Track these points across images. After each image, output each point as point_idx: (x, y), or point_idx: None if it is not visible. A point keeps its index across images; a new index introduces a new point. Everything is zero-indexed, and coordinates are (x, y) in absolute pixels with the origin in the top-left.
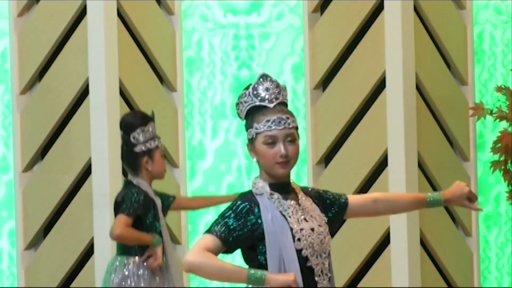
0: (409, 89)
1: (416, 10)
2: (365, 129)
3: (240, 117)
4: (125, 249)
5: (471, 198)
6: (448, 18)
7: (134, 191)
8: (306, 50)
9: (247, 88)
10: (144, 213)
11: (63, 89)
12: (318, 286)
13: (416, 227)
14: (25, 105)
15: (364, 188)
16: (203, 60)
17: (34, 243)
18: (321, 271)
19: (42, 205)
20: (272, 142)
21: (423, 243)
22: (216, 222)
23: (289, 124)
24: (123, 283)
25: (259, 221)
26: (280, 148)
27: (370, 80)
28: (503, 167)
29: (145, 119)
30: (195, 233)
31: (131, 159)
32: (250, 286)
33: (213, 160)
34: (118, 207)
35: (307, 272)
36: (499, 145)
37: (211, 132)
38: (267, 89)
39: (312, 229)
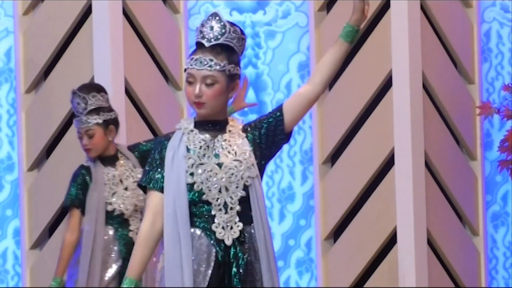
0: (415, 88)
1: (422, 8)
2: (371, 128)
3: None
4: None
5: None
6: (454, 16)
7: (76, 172)
8: (312, 48)
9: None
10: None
11: (68, 88)
12: (215, 220)
13: (423, 227)
14: (30, 104)
15: (370, 187)
16: None
17: (39, 243)
18: (224, 205)
19: (47, 205)
20: (191, 81)
21: (430, 243)
22: (147, 172)
23: (210, 66)
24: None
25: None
26: (196, 88)
27: (377, 78)
28: (510, 166)
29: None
30: None
31: None
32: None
33: None
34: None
35: (203, 206)
36: (506, 144)
37: None
38: (211, 28)
39: (219, 164)
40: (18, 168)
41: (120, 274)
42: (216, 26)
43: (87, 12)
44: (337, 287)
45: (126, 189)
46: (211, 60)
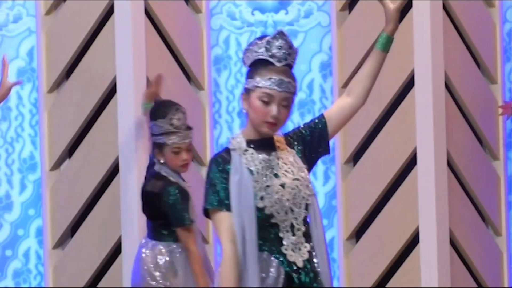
0: (438, 88)
1: (445, 8)
2: (394, 128)
3: (244, 63)
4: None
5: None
6: (477, 16)
7: (172, 192)
8: (334, 48)
9: (260, 38)
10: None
11: (90, 88)
12: (284, 242)
13: (445, 227)
14: (53, 104)
15: (392, 187)
16: (231, 59)
17: (61, 242)
18: (291, 227)
19: (69, 204)
20: (267, 101)
21: (453, 243)
22: (208, 196)
23: (289, 88)
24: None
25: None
26: (273, 109)
27: (399, 78)
28: None
29: (159, 113)
30: None
31: (152, 146)
32: None
33: None
34: (152, 199)
35: (270, 229)
36: None
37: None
38: (279, 47)
39: (283, 185)
40: (40, 167)
41: None
42: (284, 46)
43: (109, 12)
44: (360, 287)
45: None
46: (289, 82)
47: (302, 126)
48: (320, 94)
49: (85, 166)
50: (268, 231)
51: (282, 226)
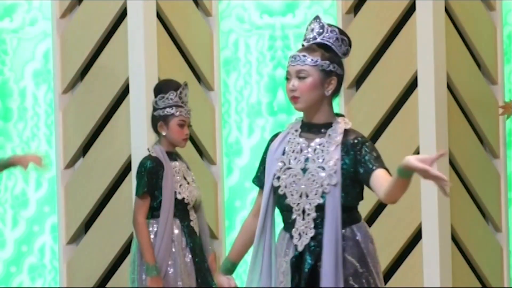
0: (440, 89)
1: (447, 11)
2: (397, 128)
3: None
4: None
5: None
6: (478, 19)
7: (141, 168)
8: None
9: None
10: (154, 187)
11: (104, 88)
12: (296, 225)
13: (447, 223)
14: (67, 104)
15: None
16: (240, 60)
17: (75, 238)
18: (302, 211)
19: (83, 201)
20: (288, 77)
21: (454, 239)
22: (257, 169)
23: (303, 61)
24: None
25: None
26: (289, 84)
27: (402, 79)
28: None
29: (169, 87)
30: (232, 229)
31: (152, 122)
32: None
33: (249, 157)
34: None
35: (285, 209)
36: None
37: (248, 130)
38: (312, 30)
39: (304, 170)
40: (55, 166)
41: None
42: (316, 28)
43: (122, 15)
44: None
45: (188, 183)
46: (304, 56)
47: (367, 149)
48: None
49: (99, 165)
50: (287, 213)
51: (295, 209)
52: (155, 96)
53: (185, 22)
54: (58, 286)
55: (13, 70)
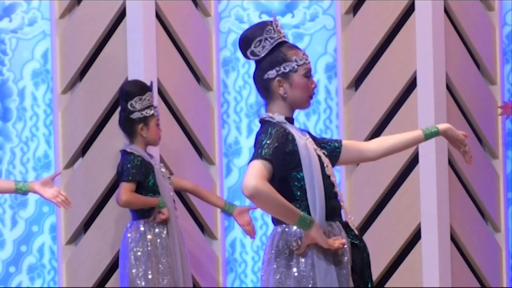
0: (439, 89)
1: (446, 11)
2: (396, 128)
3: (257, 55)
4: (137, 214)
5: (462, 142)
6: (477, 19)
7: (130, 158)
8: (339, 50)
9: (264, 25)
10: (144, 177)
11: (103, 88)
12: (342, 210)
13: (446, 223)
14: (66, 104)
15: (394, 186)
16: (239, 60)
17: (74, 238)
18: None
19: (82, 201)
20: (310, 75)
21: (453, 239)
22: (258, 150)
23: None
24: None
25: (295, 148)
26: (314, 80)
27: (402, 79)
28: None
29: (143, 89)
30: (231, 229)
31: (128, 125)
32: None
33: (248, 157)
34: (119, 176)
35: (333, 197)
36: None
37: (247, 130)
38: (282, 27)
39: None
40: (54, 166)
41: None
42: (279, 25)
43: (121, 15)
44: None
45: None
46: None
47: (320, 138)
48: (325, 95)
49: (98, 165)
50: (332, 200)
51: (339, 194)
52: (128, 98)
53: (184, 22)
54: (57, 286)
55: (12, 70)
